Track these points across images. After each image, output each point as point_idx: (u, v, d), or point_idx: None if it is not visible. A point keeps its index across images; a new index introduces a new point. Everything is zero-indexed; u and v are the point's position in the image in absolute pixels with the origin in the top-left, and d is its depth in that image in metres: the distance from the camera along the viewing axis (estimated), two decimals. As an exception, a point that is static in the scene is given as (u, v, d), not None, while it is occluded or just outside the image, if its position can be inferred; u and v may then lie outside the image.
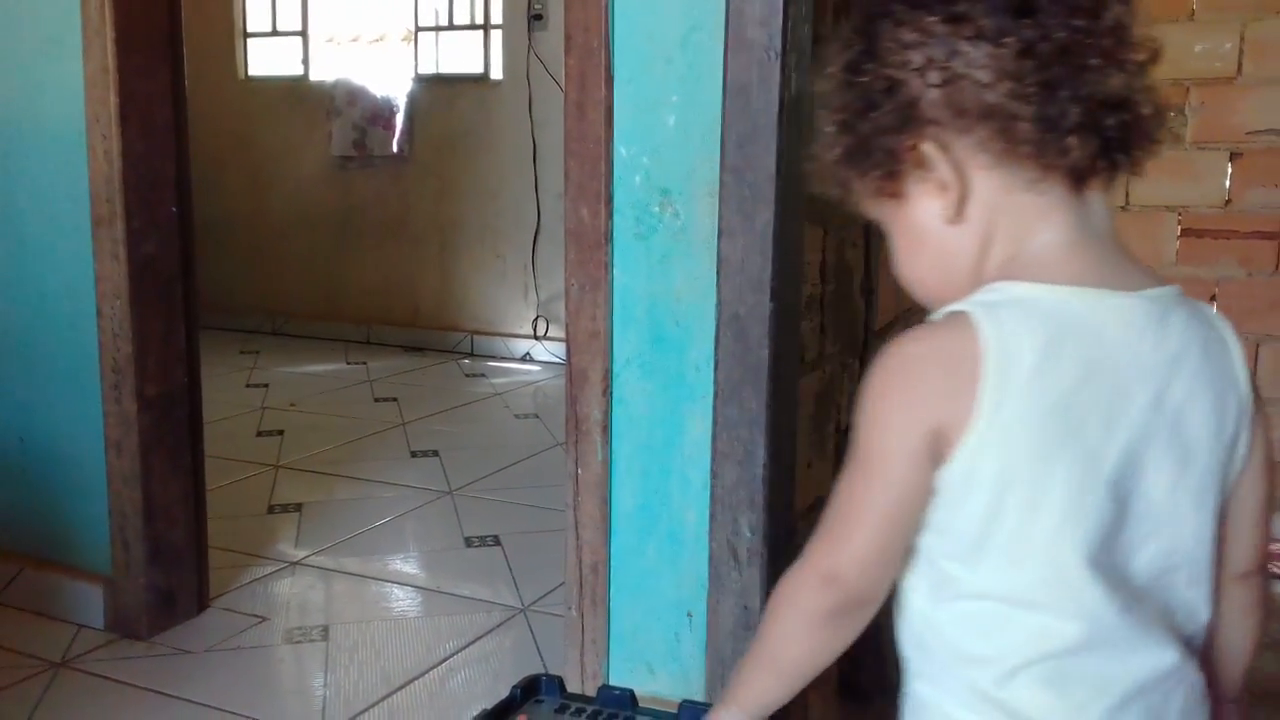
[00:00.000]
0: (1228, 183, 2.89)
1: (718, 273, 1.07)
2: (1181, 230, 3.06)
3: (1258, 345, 3.03)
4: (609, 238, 1.12)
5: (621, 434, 1.14)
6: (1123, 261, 0.75)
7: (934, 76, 0.71)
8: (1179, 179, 3.08)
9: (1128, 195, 3.17)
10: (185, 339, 1.78)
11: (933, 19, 0.72)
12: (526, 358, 4.31)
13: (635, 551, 1.15)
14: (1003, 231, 0.74)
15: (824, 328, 1.39)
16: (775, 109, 1.02)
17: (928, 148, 0.73)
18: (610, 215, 1.11)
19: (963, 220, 0.74)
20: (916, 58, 0.72)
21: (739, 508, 1.07)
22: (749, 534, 1.07)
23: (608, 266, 1.12)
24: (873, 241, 1.57)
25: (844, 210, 1.46)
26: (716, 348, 1.08)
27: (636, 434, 1.13)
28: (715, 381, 1.08)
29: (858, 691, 1.64)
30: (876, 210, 0.78)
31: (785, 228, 1.06)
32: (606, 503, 1.14)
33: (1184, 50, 2.89)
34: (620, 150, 1.11)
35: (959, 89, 0.71)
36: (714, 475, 1.09)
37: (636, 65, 1.09)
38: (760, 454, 1.06)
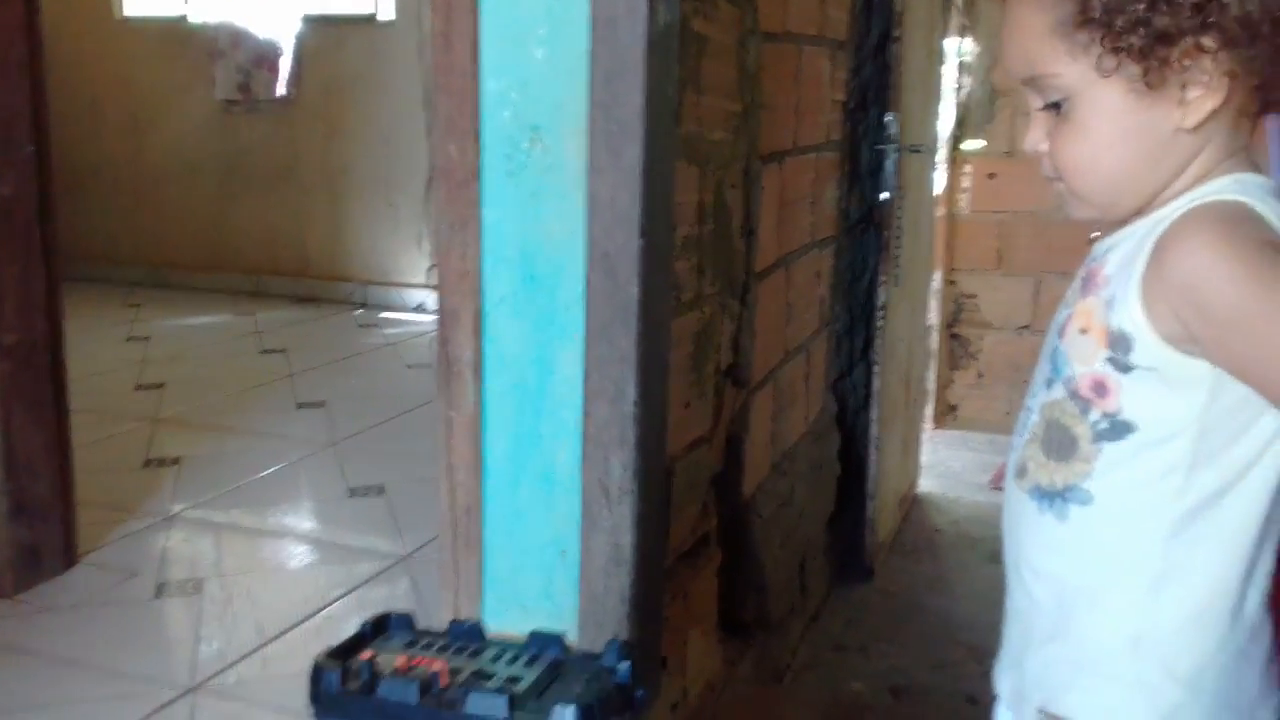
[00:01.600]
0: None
1: (587, 210, 1.05)
2: (1061, 179, 3.15)
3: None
4: (478, 175, 1.09)
5: (493, 374, 1.12)
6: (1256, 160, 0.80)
7: None
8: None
9: (1012, 142, 3.25)
10: (46, 285, 1.70)
11: None
12: (420, 308, 4.24)
13: (509, 492, 1.14)
14: (1216, 145, 0.77)
15: (702, 268, 1.39)
16: (643, 43, 1.01)
17: (1215, 55, 0.72)
18: (479, 152, 1.09)
19: (1197, 131, 0.76)
20: None
21: (610, 446, 1.07)
22: (620, 471, 1.07)
23: (477, 204, 1.10)
24: (753, 182, 1.57)
25: (722, 151, 1.45)
26: (587, 286, 1.07)
27: (509, 374, 1.12)
28: (586, 320, 1.07)
29: (739, 626, 1.67)
30: (1086, 89, 0.76)
31: (655, 165, 1.05)
32: (479, 444, 1.13)
33: None
34: (489, 84, 1.08)
35: (1252, 4, 0.71)
36: (585, 414, 1.08)
37: (504, -3, 1.06)
38: (631, 392, 1.06)
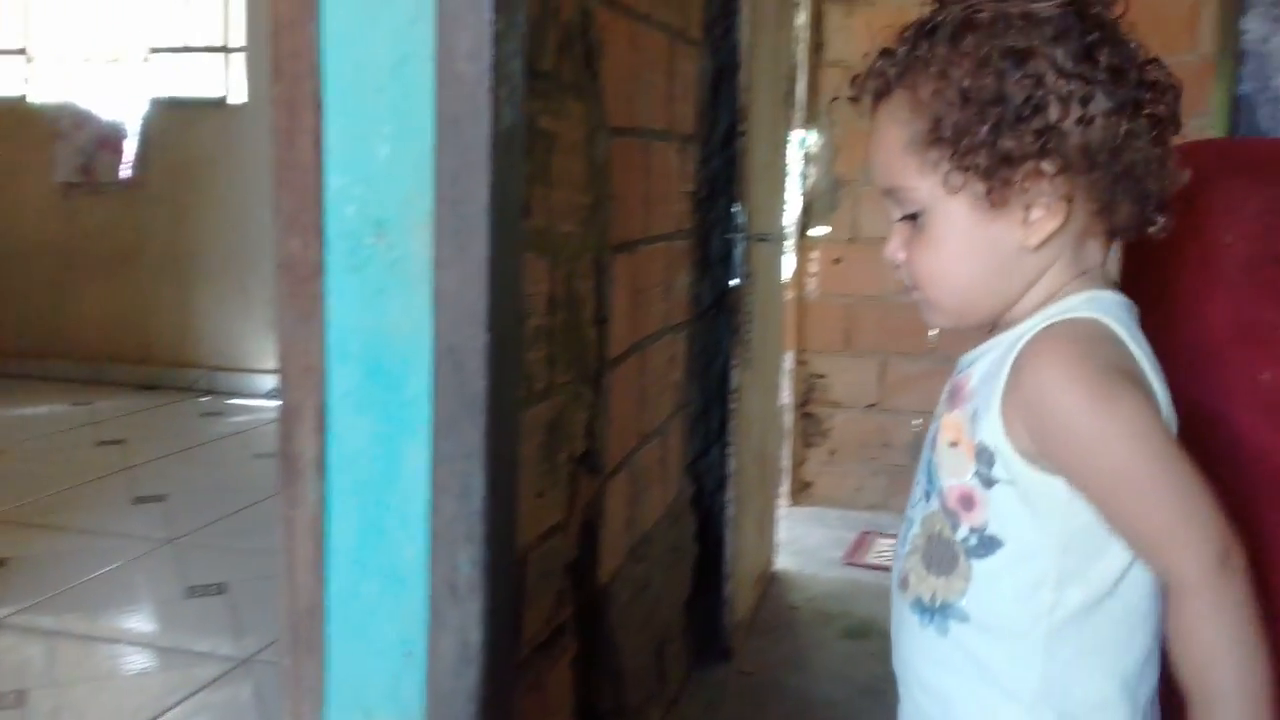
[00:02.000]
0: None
1: (434, 305, 1.05)
2: (902, 264, 3.31)
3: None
4: (321, 270, 1.08)
5: (337, 471, 1.10)
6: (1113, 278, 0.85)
7: (1077, 111, 0.75)
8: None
9: (855, 229, 3.39)
10: None
11: (1079, 59, 0.75)
12: (272, 394, 4.12)
13: (353, 592, 1.11)
14: (1062, 265, 0.80)
15: (553, 358, 1.40)
16: (488, 141, 1.02)
17: (1053, 178, 0.76)
18: (322, 247, 1.08)
19: (1040, 250, 0.79)
20: (1064, 86, 0.75)
21: (457, 542, 1.06)
22: (468, 568, 1.06)
23: (321, 299, 1.08)
24: (603, 272, 1.60)
25: (572, 242, 1.47)
26: (433, 380, 1.06)
27: (353, 471, 1.10)
28: (432, 415, 1.06)
29: (596, 716, 1.65)
30: (937, 204, 0.79)
31: (502, 259, 1.06)
32: (321, 543, 1.10)
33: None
34: (333, 180, 1.08)
35: (1095, 133, 0.75)
36: (432, 510, 1.07)
37: (348, 94, 1.07)
38: (478, 487, 1.05)
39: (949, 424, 0.84)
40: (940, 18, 0.80)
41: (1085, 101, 0.74)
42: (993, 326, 0.86)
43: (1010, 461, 0.78)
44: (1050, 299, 0.81)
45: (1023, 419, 0.76)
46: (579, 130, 1.44)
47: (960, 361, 0.88)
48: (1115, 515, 0.75)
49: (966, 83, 0.76)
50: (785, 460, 3.43)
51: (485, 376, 1.05)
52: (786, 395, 3.39)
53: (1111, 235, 0.82)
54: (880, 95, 0.84)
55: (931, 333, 0.91)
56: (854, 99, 0.87)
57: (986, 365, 0.82)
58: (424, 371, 1.07)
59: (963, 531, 0.81)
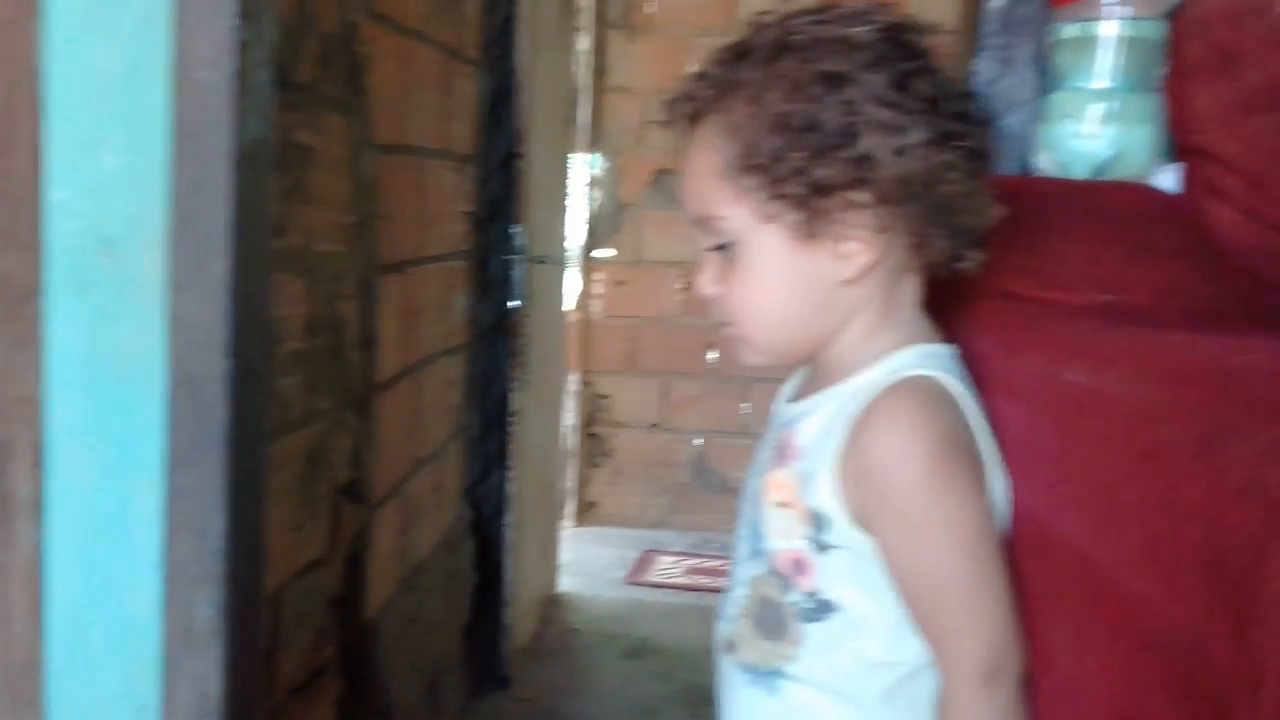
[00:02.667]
0: (720, 245, 3.21)
1: (169, 329, 0.98)
2: (684, 284, 3.38)
3: (747, 386, 3.39)
4: (40, 290, 0.99)
5: (57, 511, 1.00)
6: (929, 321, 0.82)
7: (893, 142, 0.72)
8: (681, 238, 3.38)
9: (638, 252, 3.44)
10: None
11: (895, 87, 0.72)
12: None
13: (76, 643, 1.01)
14: (878, 301, 0.77)
15: (312, 383, 1.33)
16: (229, 155, 0.96)
17: (868, 210, 0.73)
18: (41, 265, 0.99)
19: (853, 284, 0.76)
20: (879, 114, 0.72)
21: (194, 584, 0.98)
22: (206, 612, 0.98)
23: (38, 323, 0.99)
24: (370, 293, 1.54)
25: (334, 262, 1.41)
26: (168, 411, 0.98)
27: (76, 511, 1.00)
28: (167, 449, 0.98)
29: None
30: (749, 234, 0.76)
31: (247, 280, 0.99)
32: (39, 591, 1.00)
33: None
34: (54, 193, 0.98)
35: (910, 164, 0.72)
36: (165, 551, 0.99)
37: (74, 101, 0.98)
38: (217, 524, 0.98)
39: (776, 483, 0.81)
40: (756, 40, 0.77)
41: (901, 131, 0.72)
42: (811, 364, 0.84)
43: (845, 528, 0.75)
44: (870, 341, 0.78)
45: (856, 482, 0.74)
46: (342, 146, 1.38)
47: (784, 413, 0.85)
48: (909, 595, 0.74)
49: (781, 107, 0.73)
50: (570, 481, 3.42)
51: (226, 406, 0.98)
52: (571, 416, 3.39)
53: (925, 270, 0.80)
54: (693, 119, 0.80)
55: (710, 355, 0.89)
56: (666, 123, 0.83)
57: (820, 423, 0.78)
58: (157, 401, 0.99)
59: (794, 595, 0.78)
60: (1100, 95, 1.08)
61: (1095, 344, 0.74)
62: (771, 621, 0.80)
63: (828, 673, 0.78)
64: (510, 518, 2.29)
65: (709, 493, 3.47)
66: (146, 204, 0.98)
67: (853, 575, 0.76)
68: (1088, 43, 1.09)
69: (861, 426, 0.74)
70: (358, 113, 1.43)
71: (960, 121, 0.74)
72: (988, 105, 0.83)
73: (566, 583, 2.93)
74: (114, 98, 0.98)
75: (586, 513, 3.52)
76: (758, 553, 0.82)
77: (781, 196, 0.74)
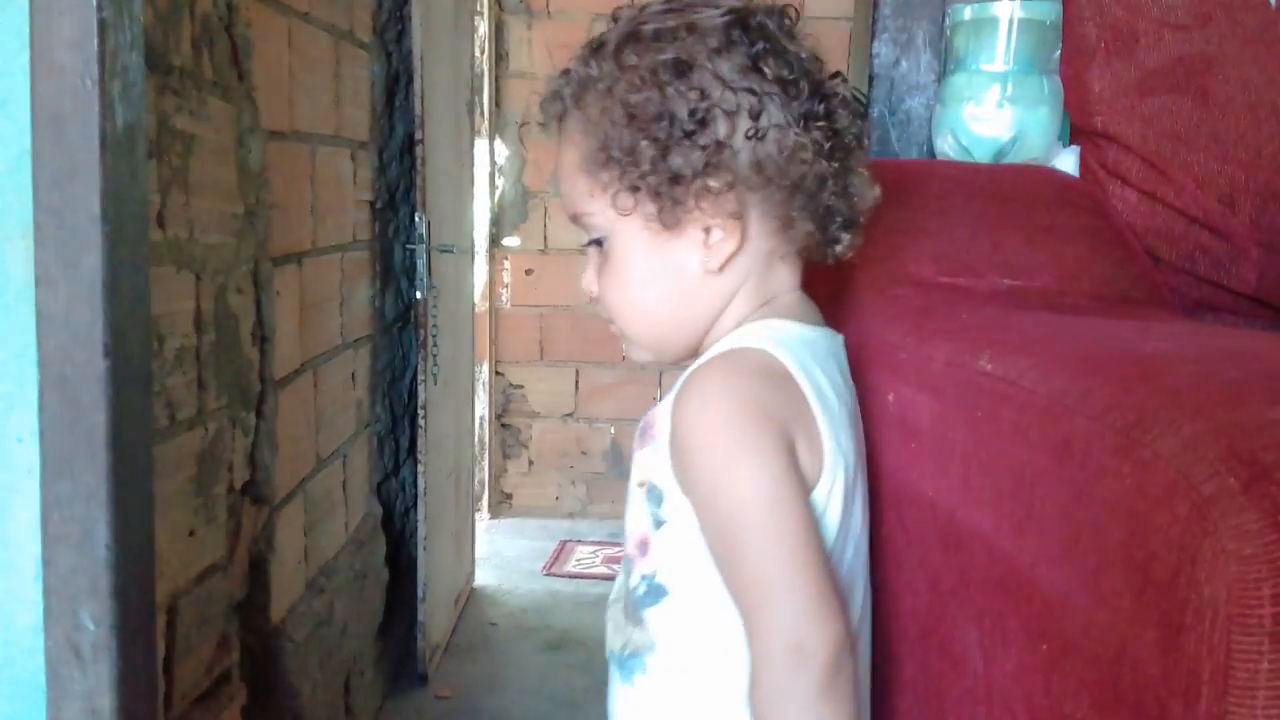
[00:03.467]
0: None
1: (38, 328, 0.92)
2: (594, 273, 3.35)
3: (660, 374, 3.39)
4: (-105, 289, 0.92)
5: (-75, 525, 0.94)
6: (814, 307, 0.80)
7: (746, 125, 0.71)
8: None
9: (546, 240, 3.40)
10: None
11: (748, 68, 0.71)
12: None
13: (-49, 665, 0.95)
14: (750, 289, 0.75)
15: (203, 381, 1.28)
16: (96, 143, 0.91)
17: (725, 196, 0.71)
18: (-104, 262, 0.92)
19: (721, 273, 0.74)
20: (731, 99, 0.70)
21: (79, 598, 0.93)
22: (92, 626, 0.93)
23: (-105, 324, 0.92)
24: (263, 286, 1.49)
25: (223, 254, 1.35)
26: (42, 415, 0.93)
27: (-54, 523, 0.94)
28: (42, 455, 0.93)
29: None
30: (614, 228, 0.75)
31: (121, 275, 0.94)
32: (-93, 611, 0.94)
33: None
34: (-94, 185, 0.92)
35: (765, 146, 0.71)
36: (46, 563, 0.94)
37: (-77, 85, 0.92)
38: (102, 533, 0.93)
39: (638, 464, 0.79)
40: (609, 34, 0.77)
41: (755, 115, 0.72)
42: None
43: (676, 498, 0.73)
44: (736, 326, 0.77)
45: (674, 449, 0.73)
46: (226, 133, 1.33)
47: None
48: (721, 565, 0.70)
49: (630, 98, 0.73)
50: (484, 473, 3.38)
51: (106, 408, 0.93)
52: (483, 407, 3.35)
53: (798, 256, 0.79)
54: (560, 117, 0.81)
55: (626, 354, 0.86)
56: (542, 124, 0.84)
57: (669, 400, 0.76)
58: (31, 405, 0.93)
59: (634, 579, 0.77)
60: (998, 78, 1.09)
61: (1004, 331, 0.73)
62: (629, 606, 0.79)
63: (678, 658, 0.75)
64: (422, 512, 2.25)
65: (624, 481, 3.45)
66: (10, 195, 0.92)
67: (684, 552, 0.74)
68: (985, 25, 1.10)
69: (679, 393, 0.74)
70: (242, 98, 1.37)
71: (819, 101, 0.73)
72: (853, 85, 0.79)
73: (483, 576, 2.89)
74: (-31, 83, 0.91)
75: (501, 505, 3.48)
76: (630, 538, 0.81)
77: (636, 189, 0.73)
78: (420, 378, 2.24)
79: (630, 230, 0.75)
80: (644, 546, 0.77)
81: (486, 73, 3.22)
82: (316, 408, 1.76)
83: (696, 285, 0.76)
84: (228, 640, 1.37)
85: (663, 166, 0.72)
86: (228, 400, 1.35)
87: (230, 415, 1.36)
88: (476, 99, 3.05)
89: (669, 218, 0.73)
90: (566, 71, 0.80)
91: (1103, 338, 0.63)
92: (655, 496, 0.75)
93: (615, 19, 0.79)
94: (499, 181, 3.38)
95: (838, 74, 0.76)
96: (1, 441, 0.94)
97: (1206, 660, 0.41)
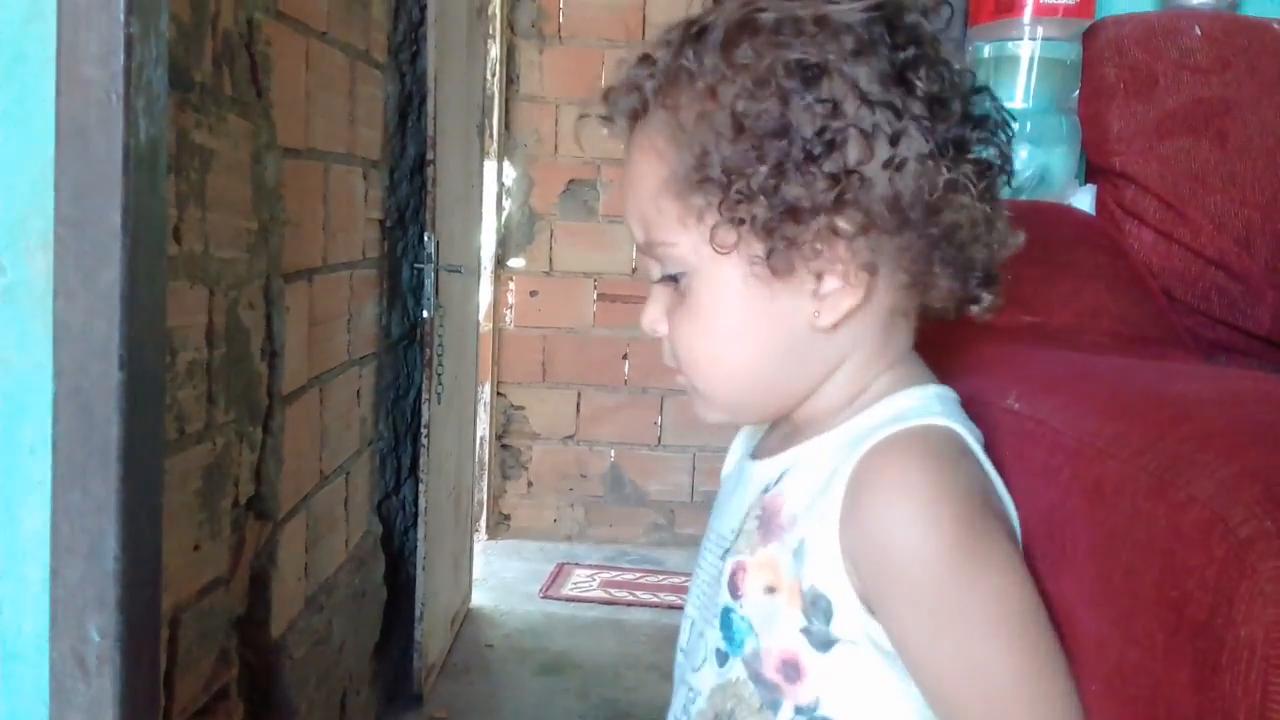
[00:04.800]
0: (634, 251, 3.21)
1: (55, 339, 0.92)
2: (598, 295, 3.36)
3: (662, 398, 3.39)
4: (-87, 297, 0.92)
5: (-66, 533, 0.94)
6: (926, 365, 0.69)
7: (884, 151, 0.57)
8: (594, 249, 3.37)
9: (551, 262, 3.41)
10: None
11: (888, 83, 0.57)
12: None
13: (-46, 674, 0.95)
14: (868, 352, 0.62)
15: (213, 395, 1.28)
16: (119, 156, 0.91)
17: (856, 240, 0.58)
18: (-85, 270, 0.92)
19: (835, 330, 0.61)
20: (867, 117, 0.57)
21: (85, 609, 0.93)
22: (98, 638, 0.93)
23: (-88, 331, 0.92)
24: (274, 301, 1.49)
25: (236, 269, 1.35)
26: (56, 425, 0.93)
27: (-46, 532, 0.94)
28: (54, 465, 0.93)
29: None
30: (703, 266, 0.61)
31: (139, 288, 0.95)
32: (-87, 619, 0.93)
33: (595, 130, 3.23)
34: (-71, 193, 0.92)
35: (906, 179, 0.57)
36: (54, 573, 0.93)
37: (-51, 94, 0.92)
38: (111, 545, 0.93)
39: (764, 563, 0.63)
40: (714, 17, 0.61)
41: (896, 139, 0.57)
42: (779, 421, 0.68)
43: (853, 614, 0.58)
44: (855, 392, 0.63)
45: (863, 559, 0.57)
46: (243, 149, 1.34)
47: (749, 471, 0.68)
48: (944, 706, 0.57)
49: (741, 105, 0.57)
50: (483, 494, 3.37)
51: (119, 420, 0.93)
52: (484, 428, 3.35)
53: (926, 315, 0.65)
54: (635, 116, 0.64)
55: (694, 401, 0.69)
56: (606, 118, 0.67)
57: (812, 481, 0.62)
58: (45, 415, 0.93)
59: (785, 712, 0.60)
60: (1017, 116, 1.10)
61: (1029, 370, 0.71)
62: None
63: None
64: (422, 532, 2.24)
65: (624, 505, 3.46)
66: (31, 207, 0.92)
67: (864, 682, 0.59)
68: (1005, 64, 1.11)
69: (862, 487, 0.58)
70: (260, 115, 1.38)
71: (969, 125, 0.60)
72: (1004, 108, 0.64)
73: (480, 597, 2.88)
74: (-5, 93, 0.92)
75: (500, 526, 3.47)
76: (727, 656, 0.64)
77: (742, 221, 0.59)
78: (424, 396, 2.24)
79: (725, 273, 0.61)
80: (795, 671, 0.60)
81: (497, 95, 3.24)
82: (322, 424, 1.76)
83: (801, 344, 0.62)
84: (227, 655, 1.37)
85: (779, 197, 0.57)
86: (236, 415, 1.35)
87: (238, 430, 1.36)
88: (486, 121, 3.07)
89: (780, 262, 0.59)
90: (648, 59, 0.63)
91: (1128, 378, 0.62)
92: (822, 610, 0.59)
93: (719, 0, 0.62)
94: (506, 203, 3.39)
95: (984, 88, 0.62)
96: (13, 452, 0.94)
97: (1242, 701, 0.41)
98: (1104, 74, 1.04)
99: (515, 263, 3.41)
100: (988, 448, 0.63)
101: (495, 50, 3.21)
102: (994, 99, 0.62)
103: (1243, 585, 0.41)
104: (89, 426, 0.92)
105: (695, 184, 0.60)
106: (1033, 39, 1.09)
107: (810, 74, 0.57)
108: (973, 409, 0.63)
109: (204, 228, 1.21)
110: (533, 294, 3.42)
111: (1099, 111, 1.04)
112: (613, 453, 3.44)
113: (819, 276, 0.60)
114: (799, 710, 0.60)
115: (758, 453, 0.70)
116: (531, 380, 3.44)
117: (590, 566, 3.20)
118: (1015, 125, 0.63)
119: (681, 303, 0.64)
